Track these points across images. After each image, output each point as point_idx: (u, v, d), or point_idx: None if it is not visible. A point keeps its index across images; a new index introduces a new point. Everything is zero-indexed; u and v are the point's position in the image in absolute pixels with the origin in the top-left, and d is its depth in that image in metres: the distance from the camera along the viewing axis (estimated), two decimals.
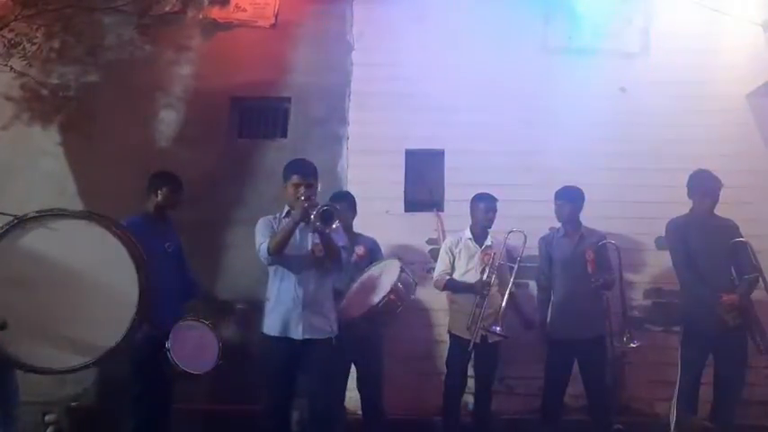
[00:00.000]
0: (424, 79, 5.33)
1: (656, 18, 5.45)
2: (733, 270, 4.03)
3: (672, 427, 4.00)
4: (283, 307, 3.44)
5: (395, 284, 3.82)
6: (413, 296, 4.13)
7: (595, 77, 5.31)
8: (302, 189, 3.47)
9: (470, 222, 4.49)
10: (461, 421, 4.37)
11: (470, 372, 4.55)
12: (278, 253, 3.38)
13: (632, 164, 5.08)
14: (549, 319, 4.32)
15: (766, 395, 4.81)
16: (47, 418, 4.64)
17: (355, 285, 4.09)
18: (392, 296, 3.80)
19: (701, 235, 4.01)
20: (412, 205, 5.31)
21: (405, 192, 5.31)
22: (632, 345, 4.06)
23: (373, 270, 4.14)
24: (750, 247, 3.99)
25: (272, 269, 3.51)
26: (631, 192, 5.03)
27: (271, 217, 3.63)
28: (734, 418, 3.91)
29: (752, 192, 5.05)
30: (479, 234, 4.43)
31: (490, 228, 4.42)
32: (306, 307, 3.44)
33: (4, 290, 2.97)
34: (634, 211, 4.94)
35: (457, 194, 4.79)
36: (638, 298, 5.05)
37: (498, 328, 4.06)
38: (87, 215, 3.14)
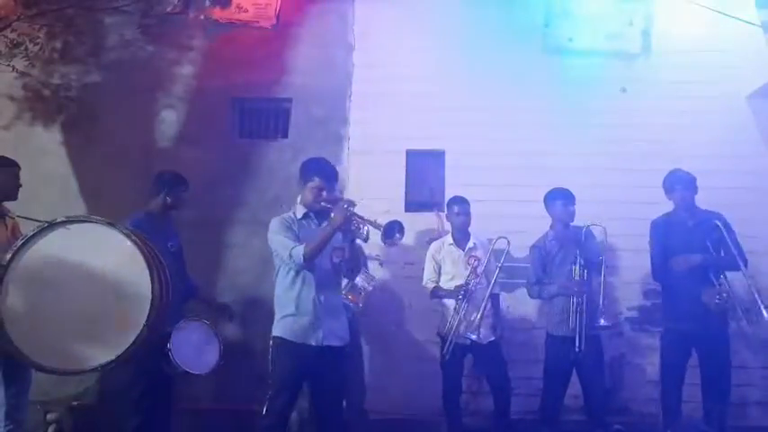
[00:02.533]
0: (425, 80, 5.34)
1: (656, 19, 5.45)
2: None
3: (662, 428, 4.02)
4: (305, 313, 3.32)
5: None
6: (369, 289, 4.17)
7: (596, 78, 5.32)
8: (323, 194, 3.39)
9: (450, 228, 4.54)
10: (463, 422, 4.40)
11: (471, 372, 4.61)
12: (314, 259, 3.26)
13: (632, 165, 5.09)
14: (547, 319, 4.35)
15: (763, 396, 4.82)
16: (48, 416, 4.65)
17: None
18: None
19: (683, 233, 4.04)
20: (413, 205, 5.33)
21: (405, 192, 5.33)
22: (601, 322, 3.97)
23: None
24: (729, 228, 3.96)
25: (290, 272, 3.35)
26: (631, 192, 5.04)
27: (287, 217, 3.46)
28: (726, 418, 3.89)
29: (752, 193, 5.07)
30: (460, 238, 4.46)
31: (467, 229, 4.46)
32: (326, 313, 3.35)
33: (30, 288, 3.09)
34: (634, 211, 4.94)
35: (457, 195, 4.77)
36: (637, 298, 5.06)
37: (474, 336, 4.03)
38: (111, 223, 3.24)
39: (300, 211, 3.47)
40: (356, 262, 3.43)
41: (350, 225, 3.23)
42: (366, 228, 3.28)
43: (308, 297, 3.33)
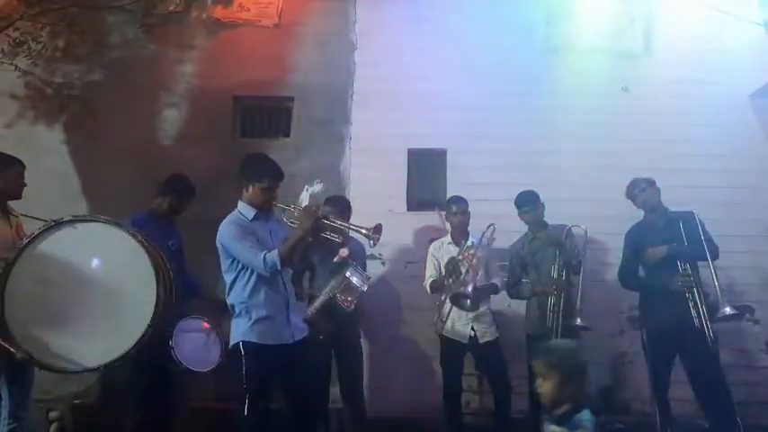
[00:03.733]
0: (426, 79, 5.34)
1: (658, 18, 5.46)
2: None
3: (659, 427, 4.02)
4: (277, 314, 3.32)
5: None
6: (364, 290, 4.13)
7: (598, 77, 5.32)
8: (273, 194, 3.40)
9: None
10: (463, 421, 4.41)
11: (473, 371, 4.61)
12: (288, 264, 3.26)
13: (634, 164, 5.07)
14: (525, 318, 4.42)
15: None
16: (50, 415, 4.68)
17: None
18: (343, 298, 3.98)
19: (655, 235, 4.09)
20: (414, 204, 5.34)
21: (407, 191, 5.33)
22: (578, 322, 4.05)
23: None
24: (697, 218, 3.99)
25: (254, 277, 3.29)
26: None
27: (241, 220, 3.38)
28: (733, 413, 3.83)
29: (754, 192, 5.07)
30: (459, 237, 4.48)
31: (466, 229, 4.48)
32: (291, 311, 3.40)
33: (35, 287, 3.10)
34: (636, 211, 4.93)
35: (459, 194, 4.78)
36: (638, 297, 5.04)
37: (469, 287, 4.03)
38: (117, 223, 3.24)
39: (250, 212, 3.40)
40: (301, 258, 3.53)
41: (318, 228, 3.28)
42: (339, 229, 3.36)
43: (276, 299, 3.32)
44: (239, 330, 3.31)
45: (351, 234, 4.31)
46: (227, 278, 3.38)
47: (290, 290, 3.47)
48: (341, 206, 4.37)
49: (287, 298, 3.37)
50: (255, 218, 3.40)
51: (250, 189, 3.40)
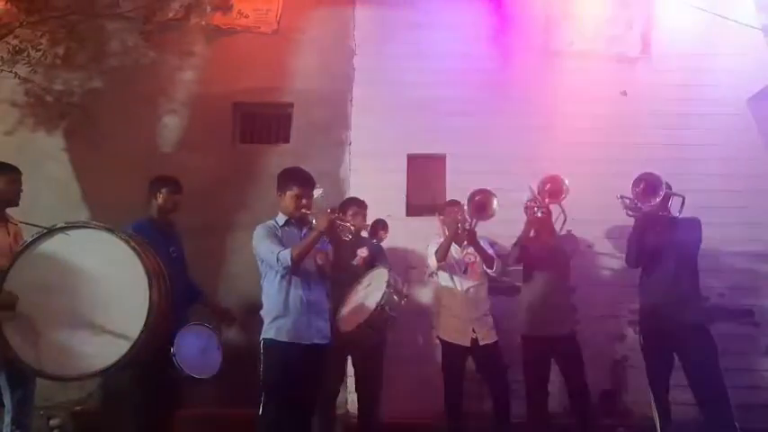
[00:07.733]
0: (425, 84, 5.35)
1: (656, 22, 5.48)
2: None
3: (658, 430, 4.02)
4: (294, 313, 3.47)
5: (378, 304, 3.69)
6: (403, 302, 4.03)
7: (597, 81, 5.35)
8: (303, 201, 3.57)
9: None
10: (465, 425, 4.39)
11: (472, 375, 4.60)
12: (300, 262, 3.42)
13: (633, 168, 5.06)
14: (522, 317, 4.39)
15: None
16: (51, 422, 4.67)
17: (347, 307, 3.97)
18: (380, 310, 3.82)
19: (654, 236, 4.08)
20: (414, 210, 5.35)
21: (407, 196, 5.35)
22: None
23: (362, 285, 4.03)
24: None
25: (278, 276, 3.49)
26: None
27: (270, 225, 3.61)
28: (731, 417, 3.80)
29: (752, 196, 5.07)
30: (458, 239, 4.46)
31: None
32: (313, 313, 3.51)
33: (30, 294, 3.10)
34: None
35: (459, 199, 4.80)
36: (638, 301, 5.04)
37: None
38: (110, 228, 3.25)
39: (282, 218, 3.64)
40: (330, 263, 3.64)
41: (334, 229, 3.46)
42: (351, 229, 3.52)
43: (296, 298, 3.48)
44: (263, 329, 3.52)
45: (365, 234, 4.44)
46: (261, 278, 3.62)
47: (319, 294, 3.58)
48: (364, 207, 4.40)
49: (309, 301, 3.49)
50: (286, 224, 3.62)
51: (283, 198, 3.63)
